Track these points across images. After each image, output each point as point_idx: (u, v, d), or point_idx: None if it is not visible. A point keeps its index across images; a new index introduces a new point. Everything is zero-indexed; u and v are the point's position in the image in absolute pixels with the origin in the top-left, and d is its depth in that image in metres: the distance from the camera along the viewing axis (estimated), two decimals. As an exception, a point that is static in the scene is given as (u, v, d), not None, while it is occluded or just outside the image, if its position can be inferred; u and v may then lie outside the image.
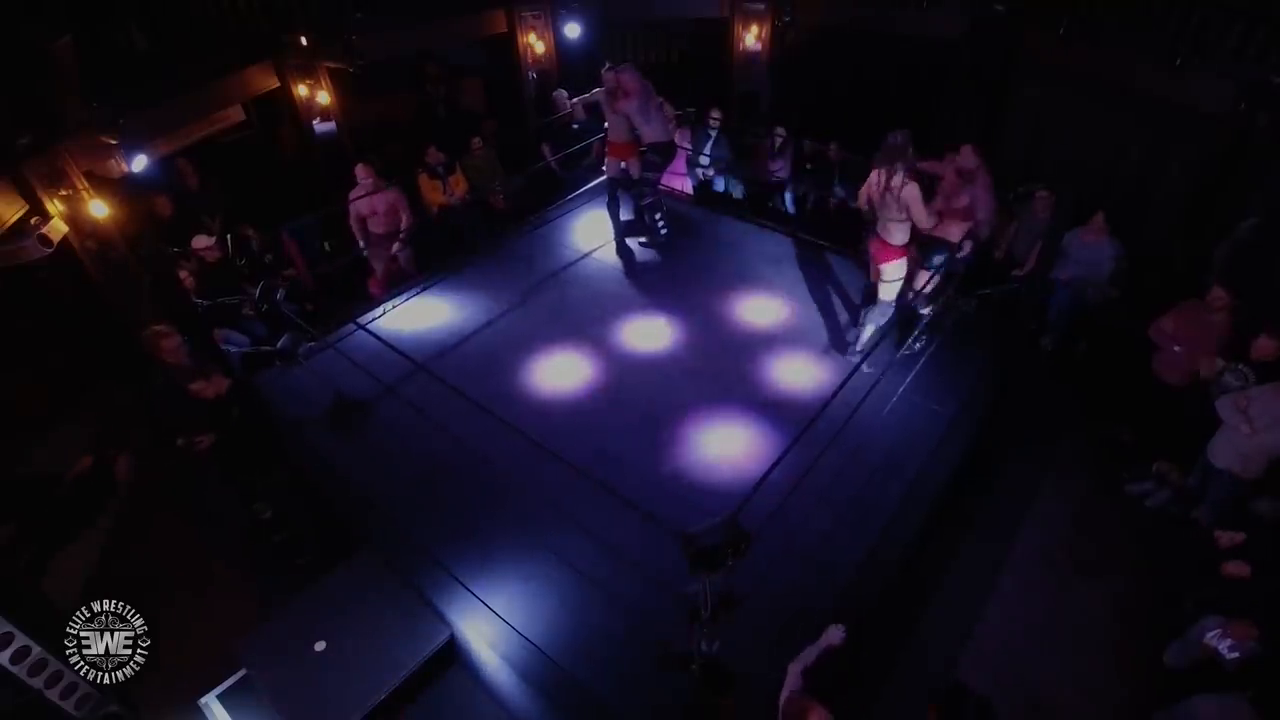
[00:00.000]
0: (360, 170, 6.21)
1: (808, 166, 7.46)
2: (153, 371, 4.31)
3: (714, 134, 7.35)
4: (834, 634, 2.97)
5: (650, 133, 5.78)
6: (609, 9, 8.46)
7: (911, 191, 4.43)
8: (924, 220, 4.53)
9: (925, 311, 4.81)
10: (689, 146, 7.37)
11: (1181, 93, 5.92)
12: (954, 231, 4.70)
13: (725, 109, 7.45)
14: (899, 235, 4.64)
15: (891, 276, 4.80)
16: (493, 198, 7.56)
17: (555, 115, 7.59)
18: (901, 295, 4.91)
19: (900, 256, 4.73)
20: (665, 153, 6.02)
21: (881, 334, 4.93)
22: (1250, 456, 4.12)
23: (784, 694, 2.76)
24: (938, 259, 4.74)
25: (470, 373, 4.93)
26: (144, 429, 5.54)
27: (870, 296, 5.02)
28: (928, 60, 7.81)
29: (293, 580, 4.16)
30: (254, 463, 4.50)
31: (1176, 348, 4.77)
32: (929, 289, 4.76)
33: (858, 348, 5.12)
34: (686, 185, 7.56)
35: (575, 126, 7.33)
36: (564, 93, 7.74)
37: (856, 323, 5.24)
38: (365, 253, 6.46)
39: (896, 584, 3.89)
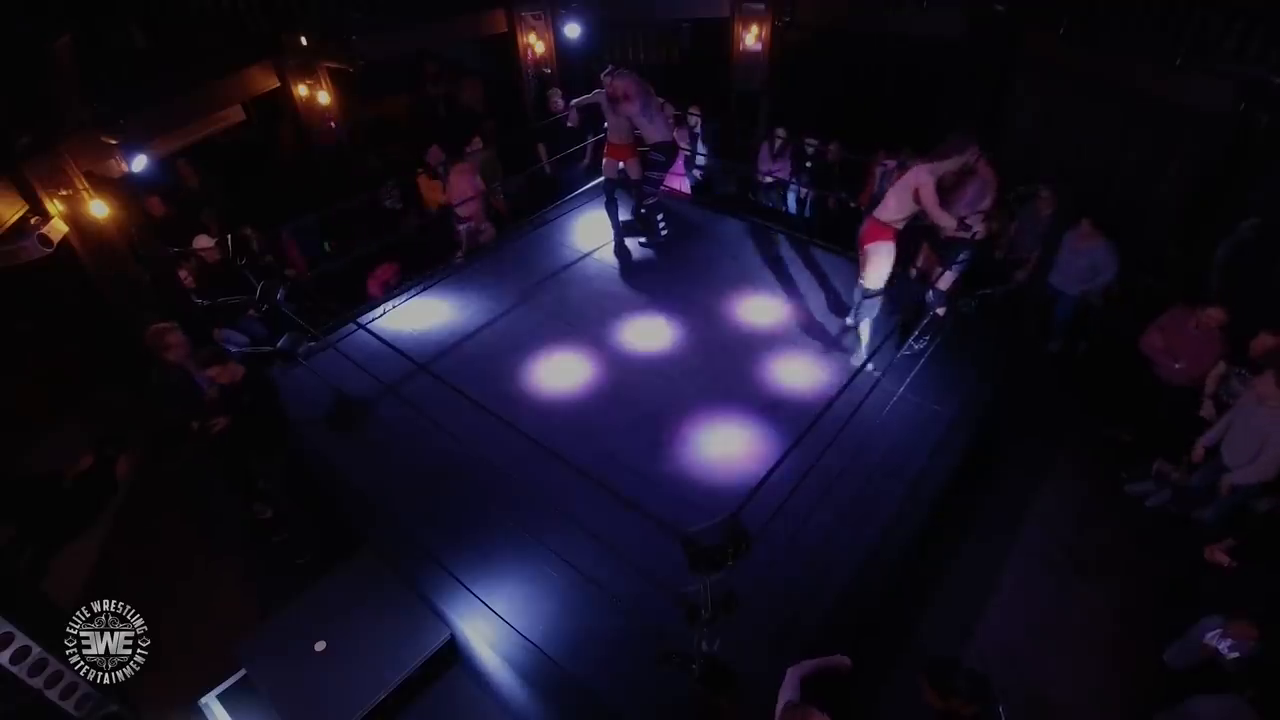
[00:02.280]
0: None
1: (808, 165, 7.47)
2: (154, 368, 4.30)
3: (699, 131, 7.35)
4: (840, 659, 2.99)
5: (653, 133, 5.78)
6: (609, 9, 8.46)
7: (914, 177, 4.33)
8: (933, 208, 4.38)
9: (941, 312, 4.77)
10: (688, 147, 7.37)
11: (1181, 93, 5.92)
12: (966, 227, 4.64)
13: (723, 108, 7.45)
14: (891, 215, 4.52)
15: (874, 259, 4.66)
16: (493, 198, 7.55)
17: (550, 116, 7.60)
18: (903, 289, 4.84)
19: (885, 239, 4.59)
20: (669, 152, 6.04)
21: (885, 335, 4.89)
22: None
23: (781, 700, 2.76)
24: (961, 256, 4.69)
25: (470, 373, 4.93)
26: (144, 429, 5.55)
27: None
28: (928, 60, 7.81)
29: (293, 580, 4.17)
30: (261, 448, 4.49)
31: (1178, 365, 4.74)
32: (947, 286, 4.73)
33: (860, 351, 5.01)
34: (686, 185, 7.57)
35: (570, 125, 7.35)
36: (557, 91, 7.74)
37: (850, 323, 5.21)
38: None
39: (896, 584, 3.89)
